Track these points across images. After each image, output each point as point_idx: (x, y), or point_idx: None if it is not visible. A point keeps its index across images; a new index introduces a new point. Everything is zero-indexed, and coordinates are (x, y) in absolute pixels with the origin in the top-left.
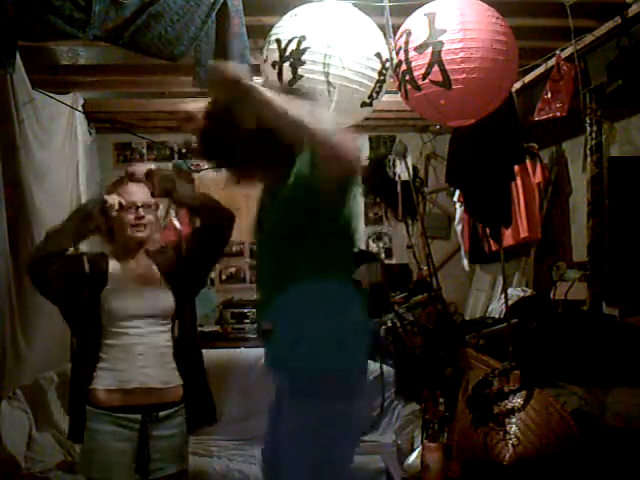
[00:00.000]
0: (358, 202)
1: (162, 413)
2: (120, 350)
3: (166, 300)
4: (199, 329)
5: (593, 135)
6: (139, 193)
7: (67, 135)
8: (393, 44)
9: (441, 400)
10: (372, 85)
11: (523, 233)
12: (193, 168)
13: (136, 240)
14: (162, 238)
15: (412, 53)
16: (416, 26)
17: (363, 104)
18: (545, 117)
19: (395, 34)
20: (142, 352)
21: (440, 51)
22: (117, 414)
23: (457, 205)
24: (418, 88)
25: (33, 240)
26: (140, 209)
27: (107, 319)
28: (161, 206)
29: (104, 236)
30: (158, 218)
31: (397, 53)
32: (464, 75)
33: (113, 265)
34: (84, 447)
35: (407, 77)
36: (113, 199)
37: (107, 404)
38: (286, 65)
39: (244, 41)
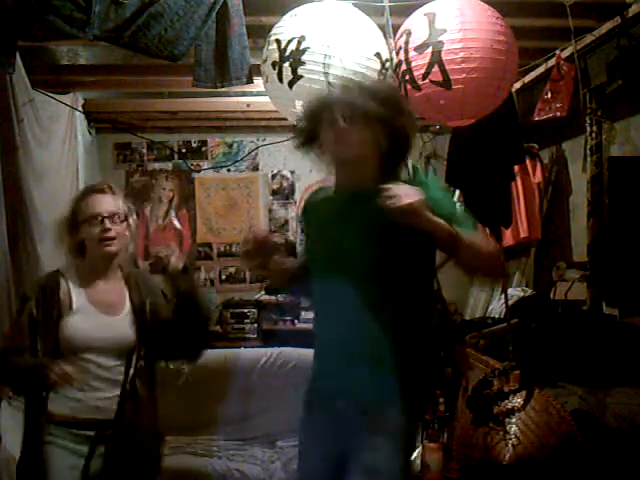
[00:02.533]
0: None
1: (113, 432)
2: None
3: (127, 335)
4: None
5: (593, 135)
6: (103, 203)
7: (67, 135)
8: (393, 44)
9: (441, 400)
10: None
11: (523, 233)
12: (193, 168)
13: (105, 256)
14: (162, 239)
15: (412, 53)
16: (416, 26)
17: None
18: (545, 117)
19: (395, 34)
20: (99, 386)
21: (440, 51)
22: (69, 429)
23: (457, 205)
24: (418, 88)
25: (33, 240)
26: (106, 220)
27: (64, 347)
28: (133, 214)
29: (73, 253)
30: (130, 229)
31: (397, 53)
32: (464, 75)
33: (77, 289)
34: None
35: (407, 77)
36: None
37: (58, 421)
38: (286, 65)
39: (244, 41)
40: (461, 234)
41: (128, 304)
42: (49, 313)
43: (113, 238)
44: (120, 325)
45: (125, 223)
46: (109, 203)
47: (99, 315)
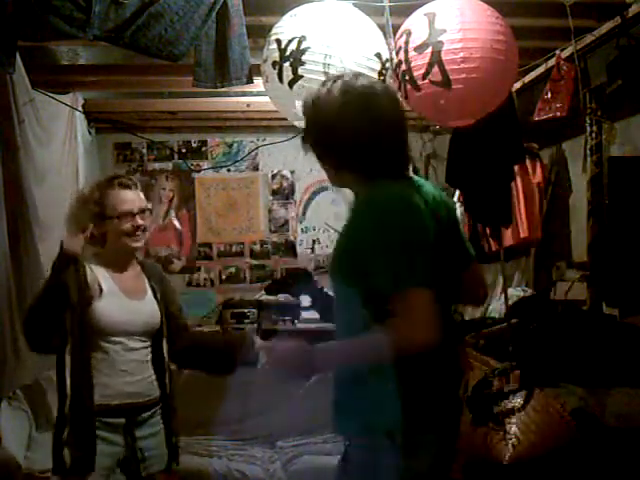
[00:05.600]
0: None
1: (143, 415)
2: (105, 365)
3: (154, 316)
4: (199, 329)
5: (593, 135)
6: (134, 200)
7: (67, 135)
8: (393, 44)
9: None
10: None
11: (523, 233)
12: (193, 168)
13: (132, 250)
14: (162, 239)
15: (412, 53)
16: (416, 26)
17: None
18: (545, 117)
19: (395, 34)
20: (126, 368)
21: (440, 51)
22: (101, 419)
23: (457, 205)
24: (418, 88)
25: (33, 240)
26: (137, 217)
27: (97, 331)
28: (149, 206)
29: (95, 242)
30: (149, 222)
31: (397, 53)
32: (464, 75)
33: (103, 275)
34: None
35: (407, 77)
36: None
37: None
38: (286, 65)
39: (244, 41)
40: (333, 357)
41: (149, 289)
42: (79, 293)
43: (142, 233)
44: (146, 308)
45: (148, 217)
46: (138, 199)
47: (127, 299)
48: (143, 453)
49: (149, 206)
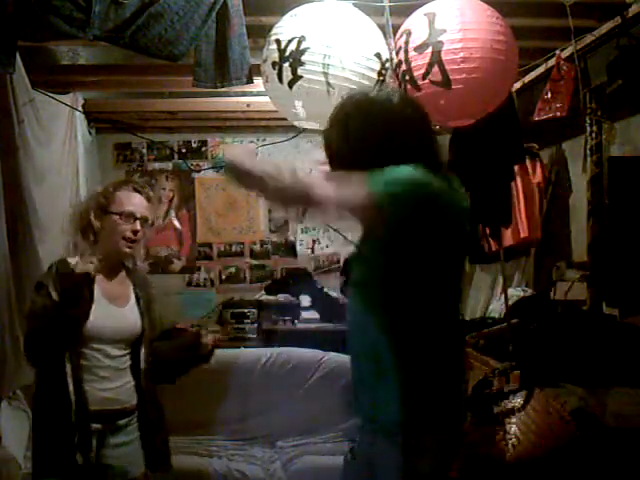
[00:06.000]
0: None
1: (120, 422)
2: (85, 371)
3: (135, 324)
4: (199, 329)
5: (593, 135)
6: (141, 204)
7: (67, 135)
8: (393, 44)
9: None
10: (372, 85)
11: (523, 233)
12: (193, 168)
13: (123, 255)
14: (162, 239)
15: (412, 53)
16: (416, 26)
17: None
18: (545, 117)
19: (395, 34)
20: (106, 375)
21: (440, 51)
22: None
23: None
24: (418, 88)
25: (33, 240)
26: (137, 222)
27: (78, 339)
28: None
29: (85, 237)
30: (147, 235)
31: (397, 53)
32: (464, 75)
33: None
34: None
35: (407, 77)
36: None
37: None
38: (286, 65)
39: (244, 41)
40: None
41: (133, 297)
42: (67, 301)
43: (136, 241)
44: (128, 315)
45: (148, 229)
46: (145, 207)
47: (109, 305)
48: (114, 460)
49: (153, 220)
